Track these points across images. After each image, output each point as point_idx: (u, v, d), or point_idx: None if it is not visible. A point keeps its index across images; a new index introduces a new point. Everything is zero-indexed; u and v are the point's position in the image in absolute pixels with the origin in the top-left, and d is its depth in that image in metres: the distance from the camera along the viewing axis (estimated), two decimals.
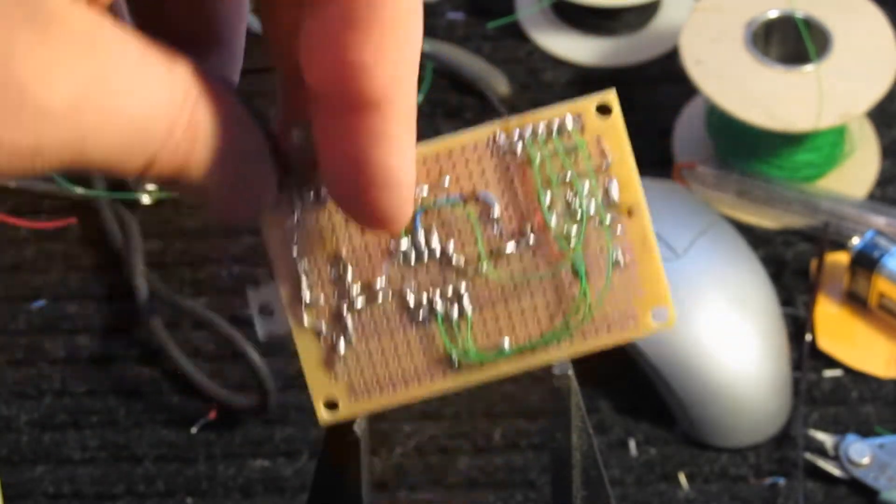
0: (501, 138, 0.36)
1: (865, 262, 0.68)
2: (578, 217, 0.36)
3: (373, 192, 0.32)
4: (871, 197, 0.74)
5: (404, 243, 0.36)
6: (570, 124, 0.36)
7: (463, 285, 0.36)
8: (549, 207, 0.36)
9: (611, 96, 0.36)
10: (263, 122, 0.33)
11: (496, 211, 0.36)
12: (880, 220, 0.71)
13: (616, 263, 0.36)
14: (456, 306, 0.36)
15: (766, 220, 0.73)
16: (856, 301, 0.69)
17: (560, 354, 0.37)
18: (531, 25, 0.82)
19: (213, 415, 0.67)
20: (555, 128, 0.36)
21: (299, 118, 0.34)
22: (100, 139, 0.29)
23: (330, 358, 0.37)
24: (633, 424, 0.66)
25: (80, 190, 0.74)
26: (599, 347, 0.37)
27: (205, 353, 0.69)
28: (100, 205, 0.73)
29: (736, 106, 0.70)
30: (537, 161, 0.36)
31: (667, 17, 0.82)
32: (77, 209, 0.74)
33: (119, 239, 0.72)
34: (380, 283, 0.36)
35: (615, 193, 0.36)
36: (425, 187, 0.36)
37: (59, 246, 0.73)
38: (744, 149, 0.73)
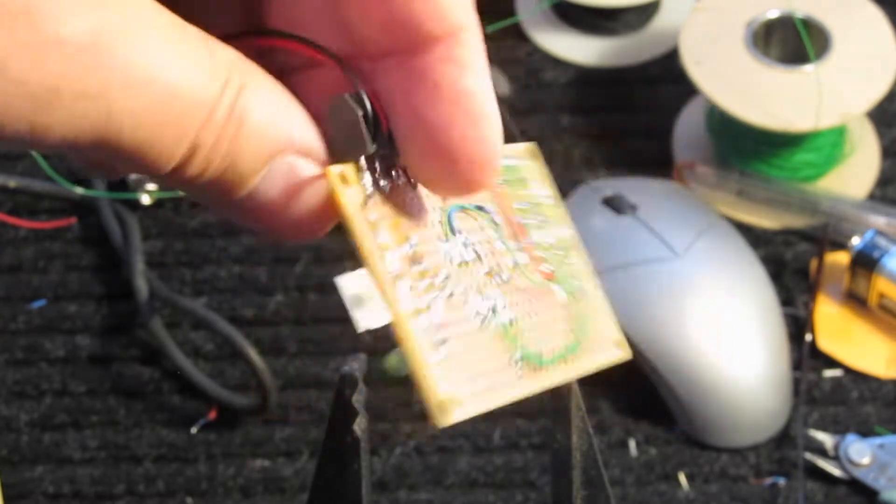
0: None
1: (865, 262, 0.68)
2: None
3: (466, 127, 0.29)
4: (871, 197, 0.74)
5: (455, 241, 0.34)
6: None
7: (497, 292, 0.34)
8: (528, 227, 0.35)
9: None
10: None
11: (498, 220, 0.35)
12: (880, 220, 0.71)
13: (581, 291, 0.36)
14: (504, 312, 0.34)
15: (766, 220, 0.73)
16: (856, 301, 0.69)
17: (580, 369, 0.35)
18: (531, 26, 0.82)
19: (213, 415, 0.67)
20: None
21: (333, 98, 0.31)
22: (128, 100, 0.26)
23: (437, 351, 0.32)
24: (633, 424, 0.66)
25: (80, 190, 0.74)
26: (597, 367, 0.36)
27: (205, 353, 0.69)
28: (100, 205, 0.73)
29: (736, 106, 0.70)
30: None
31: (667, 17, 0.82)
32: (77, 209, 0.75)
33: (119, 239, 0.72)
34: (443, 275, 0.33)
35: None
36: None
37: (59, 246, 0.73)
38: (744, 149, 0.73)
